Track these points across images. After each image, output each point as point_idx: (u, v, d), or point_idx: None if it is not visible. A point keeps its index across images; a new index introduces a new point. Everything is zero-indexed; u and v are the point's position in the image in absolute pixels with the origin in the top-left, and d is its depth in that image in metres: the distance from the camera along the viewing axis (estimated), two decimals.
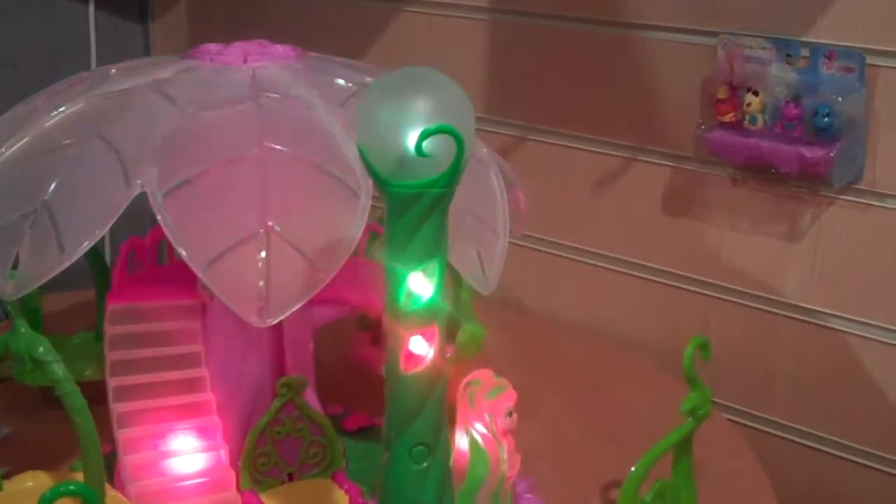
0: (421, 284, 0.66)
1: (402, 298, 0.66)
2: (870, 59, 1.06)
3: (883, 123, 1.07)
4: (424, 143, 0.62)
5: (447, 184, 0.64)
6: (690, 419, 0.84)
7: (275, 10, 1.59)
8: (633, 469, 0.84)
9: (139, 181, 0.75)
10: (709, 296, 1.23)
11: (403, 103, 0.63)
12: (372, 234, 0.95)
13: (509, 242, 0.88)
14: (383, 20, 1.45)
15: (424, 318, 0.67)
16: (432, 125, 0.62)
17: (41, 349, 0.74)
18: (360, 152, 0.65)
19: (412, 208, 0.64)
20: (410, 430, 0.69)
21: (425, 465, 0.70)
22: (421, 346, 0.67)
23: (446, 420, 0.71)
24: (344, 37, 1.51)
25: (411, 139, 0.62)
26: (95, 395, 0.80)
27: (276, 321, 0.72)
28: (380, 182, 0.65)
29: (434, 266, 0.66)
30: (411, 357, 0.67)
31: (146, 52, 1.79)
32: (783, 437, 1.20)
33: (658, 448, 0.85)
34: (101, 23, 1.73)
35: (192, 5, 1.73)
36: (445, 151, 0.63)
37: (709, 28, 1.16)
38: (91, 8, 1.71)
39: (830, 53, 1.07)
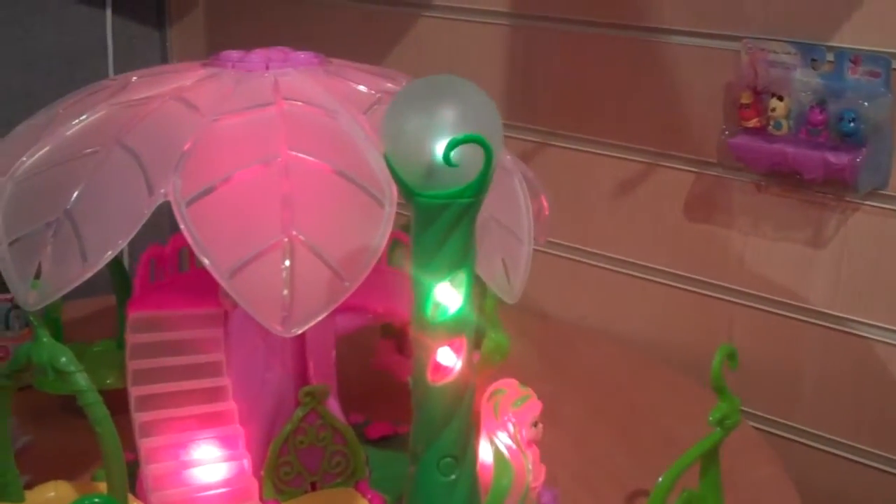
0: (449, 295, 0.65)
1: (430, 309, 0.65)
2: None
3: None
4: (452, 153, 0.61)
5: (475, 193, 0.63)
6: (719, 429, 0.83)
7: (292, 16, 1.59)
8: (660, 479, 0.83)
9: (162, 190, 0.75)
10: (733, 302, 1.22)
11: (431, 112, 0.63)
12: (394, 241, 0.94)
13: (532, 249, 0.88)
14: (403, 25, 1.45)
15: (452, 329, 0.66)
16: (460, 134, 0.61)
17: (63, 360, 0.74)
18: (387, 162, 0.65)
19: (440, 218, 0.64)
20: (438, 442, 0.68)
21: (453, 477, 0.69)
22: (449, 358, 0.67)
23: (474, 431, 0.71)
24: (362, 42, 1.50)
25: (439, 148, 0.62)
26: (117, 404, 0.80)
27: (300, 331, 0.72)
28: (407, 192, 0.64)
29: (462, 276, 0.65)
30: (439, 368, 0.67)
31: (163, 58, 1.79)
32: (809, 446, 1.19)
33: (686, 458, 0.84)
34: (119, 29, 1.73)
35: (209, 12, 1.73)
36: (473, 161, 0.62)
37: (732, 32, 1.15)
38: (108, 14, 1.71)
39: (856, 58, 1.06)
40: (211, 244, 0.73)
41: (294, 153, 0.78)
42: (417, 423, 0.69)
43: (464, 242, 0.65)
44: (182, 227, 0.73)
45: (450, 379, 0.67)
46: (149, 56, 1.78)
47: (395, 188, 0.74)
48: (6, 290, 0.78)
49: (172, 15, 1.78)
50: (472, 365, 0.68)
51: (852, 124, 1.05)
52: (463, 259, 0.65)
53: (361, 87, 0.88)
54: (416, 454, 0.70)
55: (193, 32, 1.75)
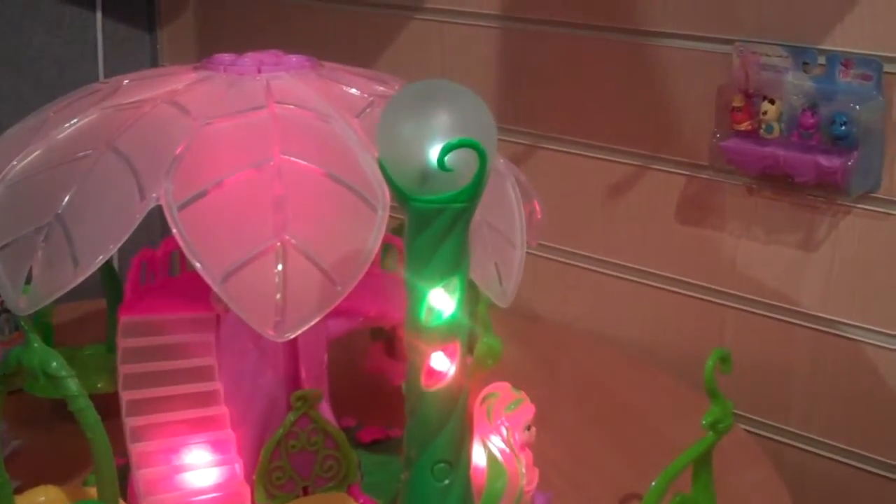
0: (442, 300, 0.65)
1: (424, 314, 0.65)
2: (887, 67, 1.05)
3: None
4: (447, 157, 0.61)
5: (469, 198, 0.63)
6: (711, 433, 0.83)
7: (283, 19, 1.59)
8: (653, 484, 0.84)
9: (154, 194, 0.75)
10: (725, 305, 1.23)
11: (425, 117, 0.63)
12: (385, 245, 0.94)
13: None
14: (394, 28, 1.45)
15: (446, 334, 0.66)
16: (454, 139, 0.61)
17: (54, 364, 0.73)
18: (381, 166, 0.65)
19: (434, 223, 0.63)
20: (432, 447, 0.68)
21: (447, 482, 0.69)
22: (442, 363, 0.67)
23: (468, 436, 0.70)
24: (354, 45, 1.50)
25: (433, 153, 0.61)
26: (108, 408, 0.79)
27: (293, 335, 0.71)
28: (401, 197, 0.64)
29: (456, 281, 0.65)
30: (433, 373, 0.67)
31: (153, 60, 1.79)
32: (800, 448, 1.19)
33: (678, 462, 0.84)
34: (109, 31, 1.73)
35: (199, 14, 1.73)
36: (467, 165, 0.62)
37: (724, 35, 1.15)
38: (98, 16, 1.71)
39: (847, 61, 1.06)
40: (203, 248, 0.73)
41: (286, 157, 0.77)
42: (411, 428, 0.69)
43: (458, 247, 0.65)
44: (174, 231, 0.73)
45: (443, 384, 0.67)
46: (139, 59, 1.77)
47: (387, 191, 0.74)
48: None
49: (163, 18, 1.77)
50: (465, 370, 0.68)
51: (844, 127, 1.05)
52: (457, 264, 0.65)
53: (353, 91, 0.88)
54: (409, 459, 0.70)
55: (184, 35, 1.75)
